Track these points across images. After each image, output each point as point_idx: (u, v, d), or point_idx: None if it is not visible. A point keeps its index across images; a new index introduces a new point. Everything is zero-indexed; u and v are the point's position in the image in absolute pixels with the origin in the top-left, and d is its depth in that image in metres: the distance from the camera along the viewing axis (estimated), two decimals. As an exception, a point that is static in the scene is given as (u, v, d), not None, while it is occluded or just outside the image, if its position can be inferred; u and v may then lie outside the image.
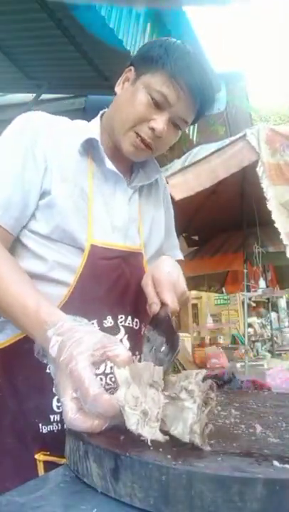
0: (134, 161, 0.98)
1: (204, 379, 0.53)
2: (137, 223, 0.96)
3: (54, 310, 0.69)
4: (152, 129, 0.86)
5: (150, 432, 0.50)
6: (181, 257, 1.17)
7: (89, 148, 0.90)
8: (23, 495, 0.47)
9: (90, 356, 0.56)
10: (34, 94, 3.53)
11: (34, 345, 0.65)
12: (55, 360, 0.59)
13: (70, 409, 0.54)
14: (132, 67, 0.92)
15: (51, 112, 0.94)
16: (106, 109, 0.99)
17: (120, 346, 0.59)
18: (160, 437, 0.50)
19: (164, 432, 0.51)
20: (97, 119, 0.97)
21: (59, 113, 0.99)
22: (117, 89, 0.93)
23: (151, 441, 0.49)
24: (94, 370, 0.56)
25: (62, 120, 0.95)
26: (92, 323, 0.82)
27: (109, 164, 0.89)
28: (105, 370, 0.81)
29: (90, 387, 0.53)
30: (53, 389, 0.61)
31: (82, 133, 0.90)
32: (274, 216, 3.14)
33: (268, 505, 0.39)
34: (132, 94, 0.87)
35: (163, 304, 0.78)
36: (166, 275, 0.82)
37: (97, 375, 0.72)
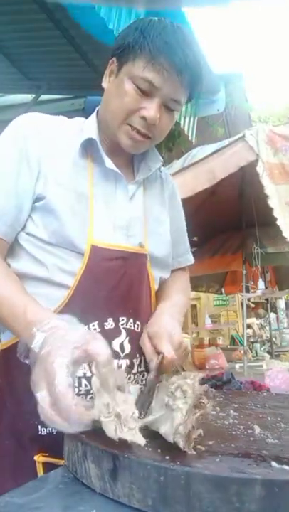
0: (133, 154, 0.95)
1: (202, 383, 0.54)
2: (141, 221, 0.93)
3: (40, 310, 0.69)
4: (144, 118, 0.83)
5: (130, 434, 0.50)
6: (192, 260, 1.15)
7: (88, 147, 0.89)
8: (22, 496, 0.47)
9: (69, 353, 0.56)
10: (33, 95, 3.52)
11: (18, 344, 0.65)
12: (37, 356, 0.59)
13: (47, 402, 0.54)
14: (114, 59, 0.87)
15: (50, 113, 0.94)
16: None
17: (101, 343, 0.58)
18: (139, 440, 0.49)
19: (154, 431, 0.51)
20: (94, 116, 0.95)
21: (58, 114, 0.98)
22: (104, 83, 0.90)
23: (152, 441, 0.49)
24: (72, 370, 0.55)
25: (57, 121, 0.93)
26: (93, 325, 0.82)
27: (108, 163, 0.88)
28: (86, 373, 0.79)
29: (64, 396, 0.52)
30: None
31: (80, 133, 0.89)
32: (276, 213, 3.12)
33: (266, 506, 0.39)
34: (118, 87, 0.84)
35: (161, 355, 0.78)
36: (162, 327, 0.82)
37: (78, 377, 0.72)
